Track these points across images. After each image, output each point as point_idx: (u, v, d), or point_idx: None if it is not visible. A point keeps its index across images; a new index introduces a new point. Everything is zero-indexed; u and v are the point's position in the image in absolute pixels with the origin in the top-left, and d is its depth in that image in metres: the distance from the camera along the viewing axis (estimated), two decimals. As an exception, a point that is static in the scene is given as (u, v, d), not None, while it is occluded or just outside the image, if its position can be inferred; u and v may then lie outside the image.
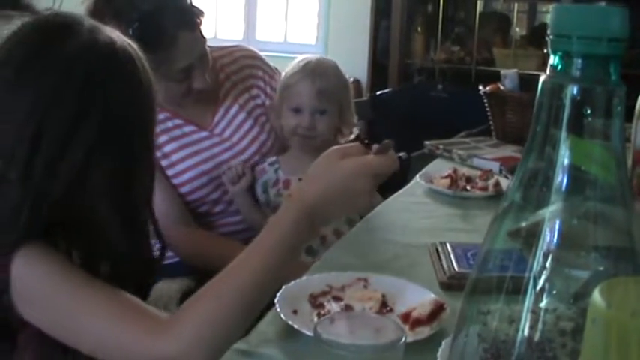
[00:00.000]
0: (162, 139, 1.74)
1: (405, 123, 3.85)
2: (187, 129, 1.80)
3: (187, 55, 1.66)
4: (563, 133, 0.47)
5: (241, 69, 1.93)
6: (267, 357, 1.04)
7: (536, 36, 4.52)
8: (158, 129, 1.51)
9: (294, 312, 1.13)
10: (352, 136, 1.89)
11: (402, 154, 2.61)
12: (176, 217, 1.75)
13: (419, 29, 5.00)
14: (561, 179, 0.50)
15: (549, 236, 0.53)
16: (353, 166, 1.00)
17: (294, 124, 1.82)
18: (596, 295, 0.44)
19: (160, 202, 1.70)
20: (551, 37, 0.45)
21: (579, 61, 0.45)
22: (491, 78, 2.83)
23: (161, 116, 1.71)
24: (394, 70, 4.75)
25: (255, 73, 1.94)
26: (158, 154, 1.72)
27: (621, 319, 0.42)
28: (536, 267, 0.54)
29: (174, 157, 1.77)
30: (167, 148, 1.76)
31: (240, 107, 1.89)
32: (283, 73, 1.86)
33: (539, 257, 0.54)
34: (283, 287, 1.20)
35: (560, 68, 0.46)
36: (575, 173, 0.50)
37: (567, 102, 0.45)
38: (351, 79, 4.85)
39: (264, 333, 1.10)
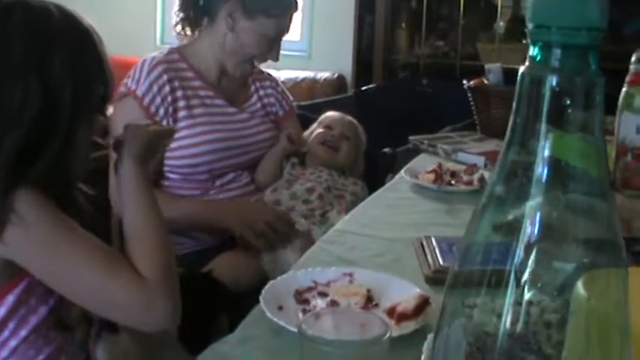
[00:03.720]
0: (193, 102, 2.03)
1: (389, 118, 3.84)
2: (218, 101, 2.10)
3: (281, 27, 2.07)
4: (544, 125, 0.47)
5: (267, 79, 2.30)
6: (253, 353, 1.03)
7: (519, 29, 4.53)
8: (196, 100, 2.02)
9: (280, 308, 1.13)
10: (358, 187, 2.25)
11: (386, 149, 2.62)
12: None
13: (403, 25, 5.00)
14: (542, 171, 0.50)
15: (532, 229, 0.53)
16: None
17: (324, 133, 2.26)
18: (579, 288, 0.44)
19: None
20: (530, 27, 0.45)
21: (558, 51, 0.44)
22: (476, 72, 2.83)
23: (202, 92, 2.05)
24: (378, 66, 4.75)
25: (276, 87, 2.32)
26: (183, 113, 2.01)
27: (603, 310, 0.42)
28: (519, 260, 0.54)
29: (199, 119, 2.02)
30: (197, 111, 2.03)
31: (263, 106, 2.23)
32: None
33: (522, 250, 0.54)
34: (269, 283, 1.20)
35: (540, 59, 0.45)
36: (556, 165, 0.50)
37: (547, 93, 0.45)
38: (335, 75, 4.88)
39: (250, 329, 1.10)
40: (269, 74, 2.32)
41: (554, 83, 0.44)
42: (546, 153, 0.48)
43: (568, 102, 0.44)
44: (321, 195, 2.06)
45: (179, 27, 2.11)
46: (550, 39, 0.44)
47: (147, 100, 1.94)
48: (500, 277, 0.55)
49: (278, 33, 2.08)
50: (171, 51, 2.07)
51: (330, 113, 2.40)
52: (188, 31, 2.11)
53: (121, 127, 1.93)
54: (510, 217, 0.55)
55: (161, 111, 1.95)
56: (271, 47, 2.08)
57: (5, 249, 1.05)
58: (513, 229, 0.55)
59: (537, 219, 0.53)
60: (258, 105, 2.21)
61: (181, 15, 2.10)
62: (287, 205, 2.01)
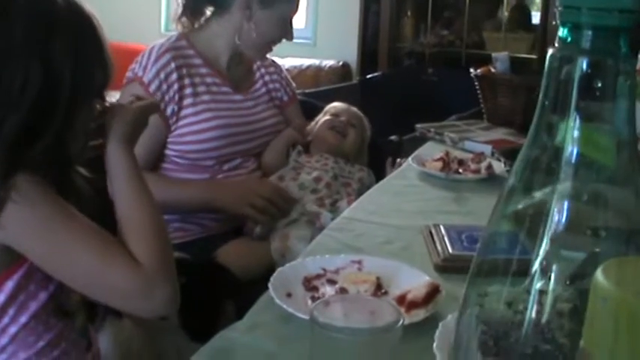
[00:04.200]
0: (200, 89, 2.01)
1: (394, 107, 3.83)
2: (225, 89, 2.09)
3: (296, 5, 2.09)
4: (572, 112, 0.45)
5: (271, 65, 2.30)
6: (262, 340, 1.03)
7: (523, 17, 4.50)
8: (203, 87, 2.00)
9: (289, 295, 1.12)
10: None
11: (393, 137, 2.61)
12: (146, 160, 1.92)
13: (408, 13, 4.97)
14: (565, 163, 0.49)
15: (548, 219, 0.52)
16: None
17: (332, 119, 2.29)
18: (603, 276, 0.43)
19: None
20: (559, 8, 0.43)
21: (589, 32, 0.43)
22: (482, 61, 2.82)
23: (209, 79, 2.04)
24: (384, 54, 4.73)
25: (280, 73, 2.32)
26: (189, 100, 1.99)
27: (634, 299, 0.41)
28: (533, 249, 0.53)
29: (205, 106, 2.01)
30: (203, 98, 2.02)
31: (268, 91, 2.24)
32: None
33: (537, 240, 0.53)
34: (278, 270, 1.20)
35: (570, 40, 0.44)
36: (579, 157, 0.49)
37: (576, 75, 0.44)
38: (340, 63, 4.86)
39: (259, 316, 1.09)
40: (273, 61, 2.32)
41: (584, 65, 0.43)
42: (569, 145, 0.47)
43: (599, 84, 0.43)
44: (329, 184, 2.06)
45: (184, 18, 2.09)
46: (580, 20, 0.43)
47: (153, 86, 1.93)
48: (515, 267, 0.55)
49: (293, 11, 2.09)
50: (178, 37, 2.05)
51: (336, 103, 2.41)
52: (191, 20, 2.09)
53: None
54: (528, 206, 0.55)
55: (167, 98, 1.95)
56: (287, 27, 2.09)
57: (4, 234, 1.04)
58: (530, 218, 0.54)
59: (555, 209, 0.52)
60: (263, 90, 2.22)
61: (184, 4, 2.08)
62: (296, 197, 2.00)
